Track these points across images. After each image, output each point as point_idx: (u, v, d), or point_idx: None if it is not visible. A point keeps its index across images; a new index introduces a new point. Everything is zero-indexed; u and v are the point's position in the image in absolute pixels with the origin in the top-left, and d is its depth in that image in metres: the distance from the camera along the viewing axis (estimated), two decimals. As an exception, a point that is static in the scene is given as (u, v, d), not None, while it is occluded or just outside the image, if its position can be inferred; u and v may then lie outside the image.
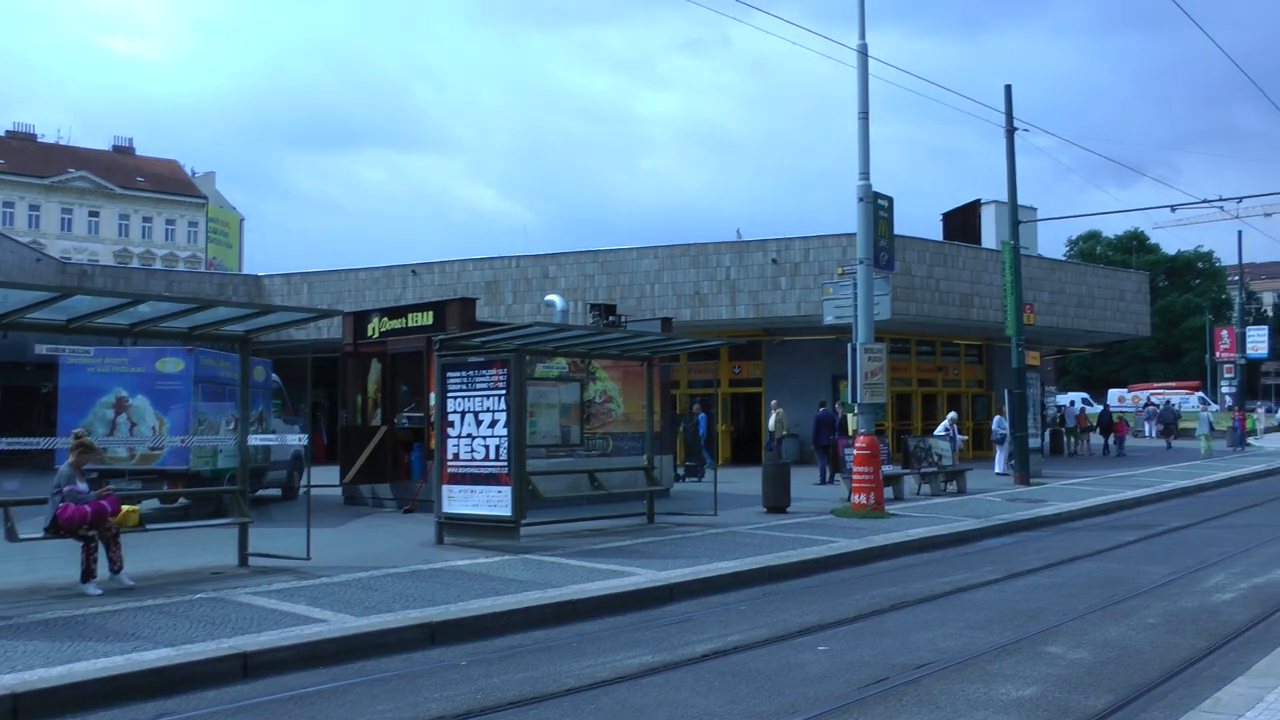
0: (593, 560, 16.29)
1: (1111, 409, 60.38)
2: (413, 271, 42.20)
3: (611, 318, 24.70)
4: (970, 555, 18.66)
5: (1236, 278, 70.57)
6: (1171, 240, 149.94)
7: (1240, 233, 56.19)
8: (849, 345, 22.84)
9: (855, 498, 22.49)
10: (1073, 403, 63.17)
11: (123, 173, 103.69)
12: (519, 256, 40.92)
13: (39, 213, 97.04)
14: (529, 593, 13.59)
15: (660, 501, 23.28)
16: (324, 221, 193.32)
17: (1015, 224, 31.78)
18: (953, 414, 31.86)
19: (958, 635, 11.81)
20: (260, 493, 24.05)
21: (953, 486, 28.46)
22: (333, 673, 10.39)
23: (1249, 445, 54.81)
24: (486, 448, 17.41)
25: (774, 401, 34.66)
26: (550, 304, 30.99)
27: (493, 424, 17.32)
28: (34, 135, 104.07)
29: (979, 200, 47.67)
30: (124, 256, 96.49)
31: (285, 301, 44.38)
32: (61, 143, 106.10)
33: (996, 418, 34.37)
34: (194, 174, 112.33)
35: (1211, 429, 51.30)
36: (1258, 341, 61.03)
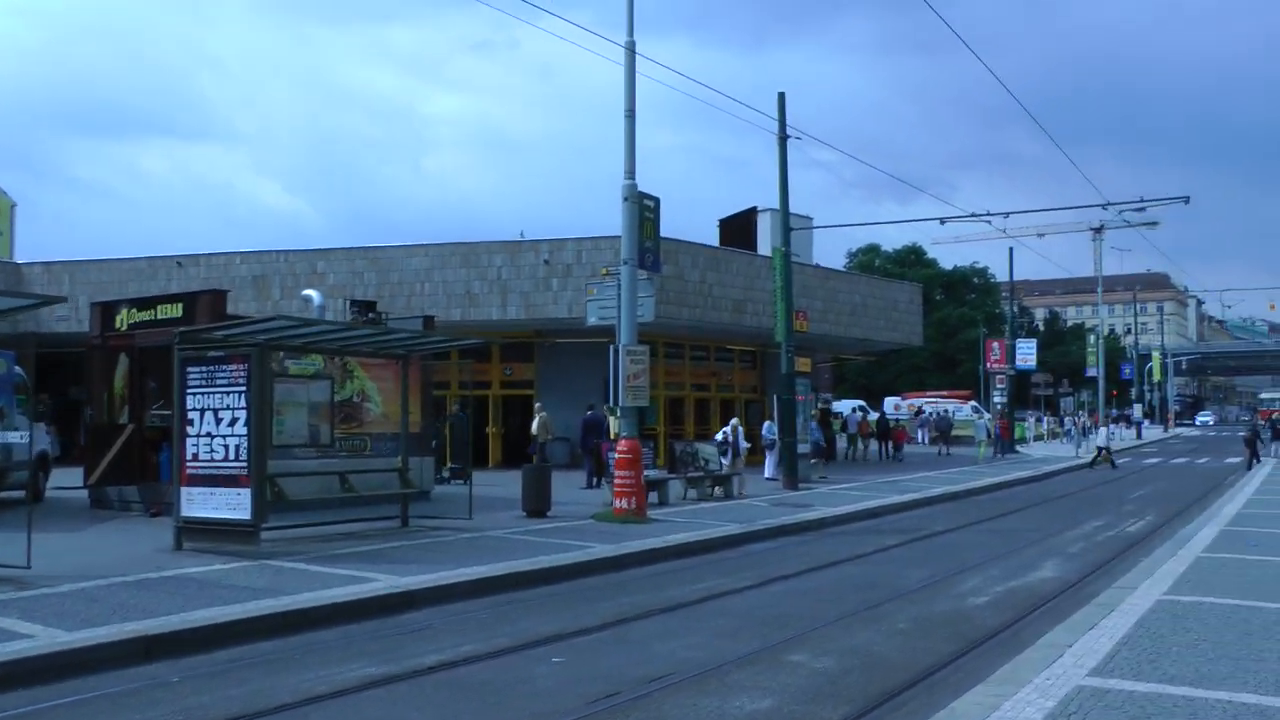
0: (336, 566, 15.52)
1: (888, 416, 61.49)
2: (178, 263, 40.56)
3: (370, 314, 23.85)
4: (730, 561, 18.41)
5: (1009, 293, 72.60)
6: (949, 256, 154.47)
7: (1011, 249, 58.09)
8: (610, 347, 22.44)
9: (617, 502, 22.10)
10: (854, 410, 64.17)
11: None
12: (287, 251, 39.69)
13: None
14: (261, 600, 12.81)
15: (420, 505, 22.55)
16: (105, 212, 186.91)
17: (787, 230, 31.88)
18: (734, 420, 31.70)
19: (703, 645, 11.43)
20: (1, 495, 22.57)
21: (720, 492, 28.33)
22: (31, 694, 9.50)
23: (1017, 452, 56.26)
24: (226, 447, 16.50)
25: (538, 405, 34.14)
26: (307, 299, 29.92)
27: (233, 422, 16.42)
28: None
29: (755, 208, 47.90)
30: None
31: (46, 291, 42.29)
32: None
33: (766, 423, 34.39)
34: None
35: (990, 435, 52.70)
36: (1026, 354, 62.70)
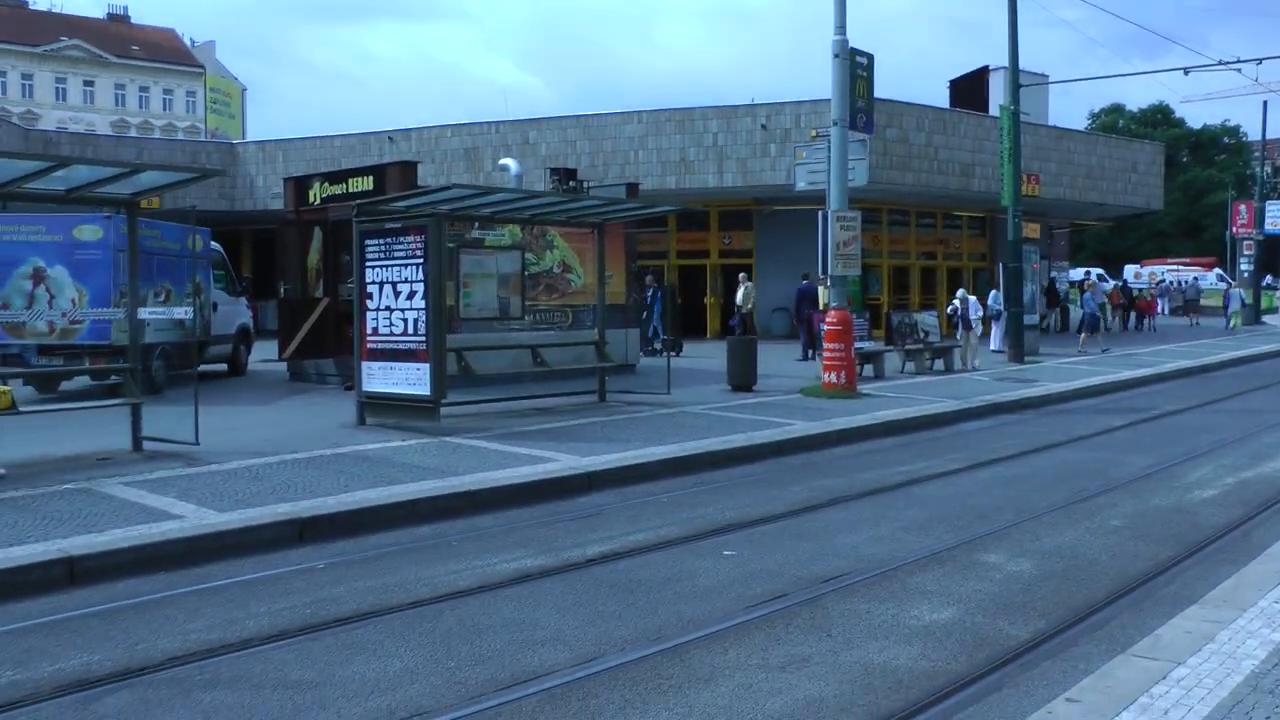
0: (518, 444, 14.87)
1: (1130, 285, 58.43)
2: (389, 138, 40.45)
3: (571, 183, 23.06)
4: (939, 440, 17.23)
5: (1260, 151, 68.10)
6: (1198, 115, 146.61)
7: (1266, 102, 53.39)
8: (820, 213, 21.20)
9: (825, 376, 21.02)
10: (1102, 278, 61.47)
11: (117, 41, 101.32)
12: (498, 122, 39.15)
13: (32, 82, 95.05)
14: (427, 481, 12.21)
15: (624, 379, 21.85)
16: (338, 94, 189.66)
17: (1016, 86, 29.91)
18: (961, 290, 30.08)
19: (889, 538, 10.38)
20: (203, 368, 22.62)
21: (940, 364, 26.96)
22: (170, 579, 9.06)
23: (1263, 323, 53.09)
24: (405, 321, 15.90)
25: (742, 274, 33.06)
26: (504, 168, 29.27)
27: (411, 295, 15.79)
28: (25, 2, 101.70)
29: (987, 67, 45.45)
30: (121, 126, 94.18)
31: (259, 169, 42.75)
32: (54, 10, 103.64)
33: (992, 293, 32.64)
34: (193, 44, 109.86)
35: (1243, 305, 49.92)
36: (1277, 216, 58.68)
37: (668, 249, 39.43)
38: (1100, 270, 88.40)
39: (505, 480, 12.43)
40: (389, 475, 12.48)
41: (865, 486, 13.06)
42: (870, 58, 21.72)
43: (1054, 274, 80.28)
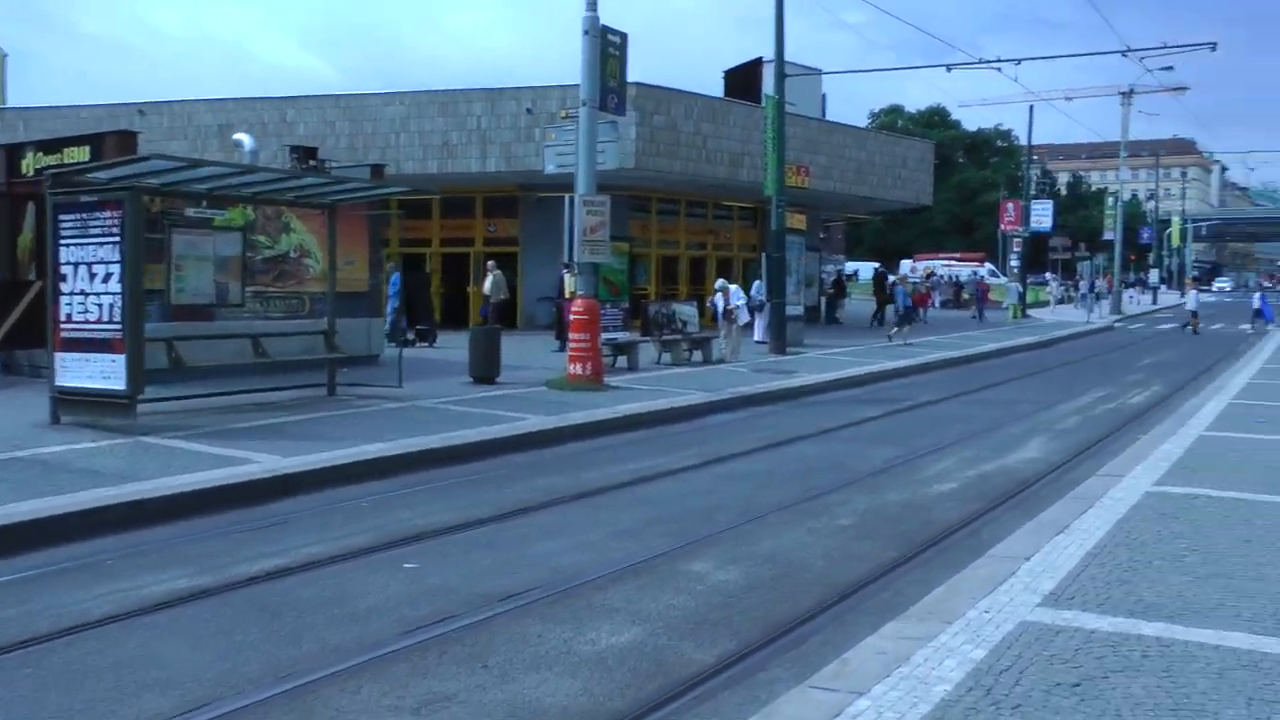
0: (221, 444, 13.61)
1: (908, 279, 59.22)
2: (139, 111, 38.23)
3: (312, 161, 21.80)
4: (681, 435, 16.56)
5: (1033, 156, 69.93)
6: (975, 119, 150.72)
7: (1031, 106, 54.56)
8: (566, 197, 20.35)
9: (571, 368, 20.19)
10: (879, 272, 62.56)
11: None
12: (255, 99, 37.37)
13: None
14: (97, 490, 10.90)
15: (365, 371, 20.61)
16: (118, 68, 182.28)
17: (781, 76, 29.56)
18: (721, 280, 29.56)
19: (593, 546, 9.56)
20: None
21: (699, 356, 26.38)
22: None
23: (1029, 317, 54.28)
24: (100, 306, 14.47)
25: (491, 262, 32.05)
26: (238, 143, 27.65)
27: (106, 278, 14.40)
28: None
29: (761, 59, 45.11)
30: None
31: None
32: None
33: (755, 283, 32.20)
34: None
35: (1021, 299, 50.95)
36: (1042, 215, 60.19)
37: (431, 236, 38.36)
38: (878, 264, 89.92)
39: (186, 487, 11.21)
40: (59, 483, 11.13)
41: (588, 486, 12.26)
42: (624, 36, 20.95)
43: (834, 267, 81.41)
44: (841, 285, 50.78)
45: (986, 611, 6.96)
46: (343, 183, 18.46)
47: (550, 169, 21.98)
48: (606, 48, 20.44)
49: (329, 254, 18.90)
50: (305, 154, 22.13)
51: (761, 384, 21.77)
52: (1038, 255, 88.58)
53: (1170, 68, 63.06)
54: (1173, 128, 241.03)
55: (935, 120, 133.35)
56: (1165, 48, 31.97)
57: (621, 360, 24.24)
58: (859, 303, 54.73)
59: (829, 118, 46.05)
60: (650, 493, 12.08)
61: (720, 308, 26.79)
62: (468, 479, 12.75)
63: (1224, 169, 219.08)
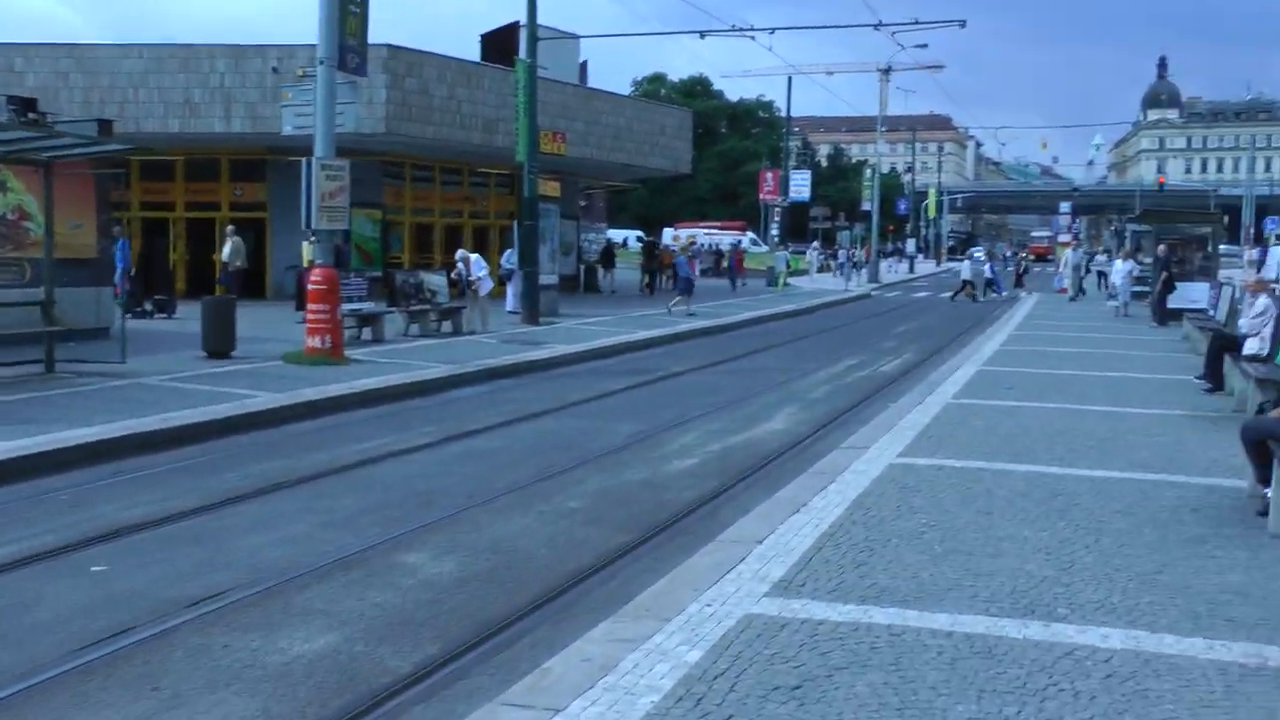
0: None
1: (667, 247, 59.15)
2: None
3: (31, 114, 20.29)
4: (419, 411, 15.82)
5: (796, 128, 70.82)
6: (737, 89, 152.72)
7: (790, 78, 54.98)
8: (304, 161, 19.34)
9: (309, 341, 19.21)
10: (641, 239, 62.80)
11: None
12: (-22, 47, 35.05)
13: None
14: None
15: (95, 345, 19.20)
16: None
17: (533, 40, 29.01)
18: (461, 250, 28.53)
19: (304, 538, 8.83)
20: None
21: (449, 327, 25.60)
22: None
23: (787, 285, 54.74)
24: None
25: (230, 227, 30.77)
26: (-61, 92, 25.70)
27: None
28: None
29: (518, 23, 44.23)
30: None
31: None
32: None
33: (506, 252, 31.41)
34: None
35: (788, 267, 51.46)
36: (801, 185, 60.86)
37: (174, 200, 36.63)
38: (639, 232, 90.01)
39: None
40: None
41: (311, 469, 11.45)
42: (364, -9, 20.04)
43: (600, 235, 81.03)
44: (610, 254, 50.31)
45: (709, 605, 6.46)
46: (59, 137, 17.13)
47: (288, 130, 20.89)
48: (347, 4, 19.50)
49: (46, 216, 17.56)
50: (24, 105, 20.55)
51: (509, 356, 21.15)
52: (799, 225, 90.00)
53: (925, 45, 64.62)
54: (930, 104, 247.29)
55: (698, 90, 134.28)
56: (917, 24, 32.32)
57: (367, 332, 23.33)
58: (626, 271, 54.49)
59: (592, 85, 45.57)
60: (376, 475, 11.36)
61: (465, 278, 25.89)
62: (182, 465, 11.80)
63: (979, 144, 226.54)
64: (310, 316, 19.30)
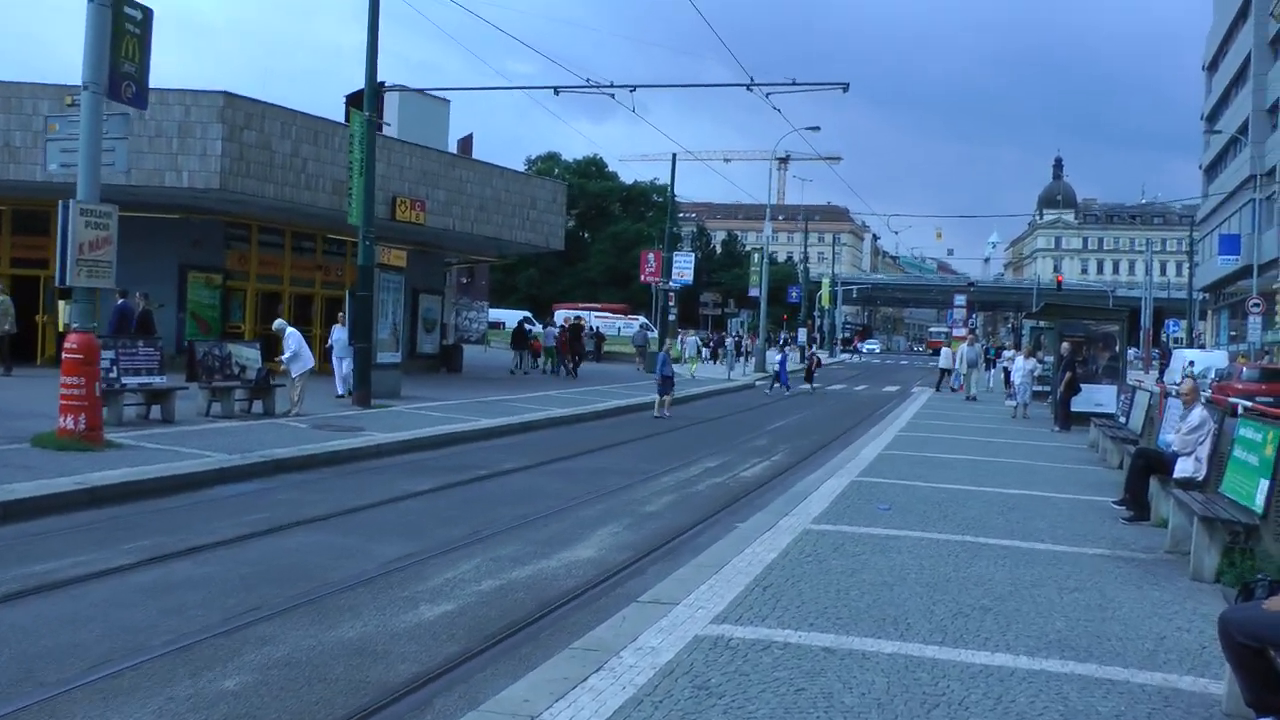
0: None
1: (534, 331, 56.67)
2: None
3: None
4: (157, 515, 12.67)
5: (683, 207, 68.86)
6: (633, 173, 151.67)
7: (675, 156, 52.49)
8: (60, 203, 16.19)
9: (61, 421, 16.02)
10: (529, 321, 60.31)
11: None
12: None
13: None
14: None
15: None
16: None
17: (373, 92, 26.15)
18: (279, 320, 25.03)
19: None
20: None
21: (261, 407, 22.42)
22: None
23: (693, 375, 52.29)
24: None
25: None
26: None
27: None
28: None
29: (384, 84, 41.50)
30: None
31: None
32: None
33: (335, 328, 27.96)
34: None
35: (699, 353, 49.82)
36: (684, 268, 57.91)
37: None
38: (527, 313, 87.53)
39: None
40: None
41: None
42: (147, 12, 16.99)
43: (478, 313, 78.18)
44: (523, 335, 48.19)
45: None
46: None
47: (53, 167, 17.60)
48: (121, 20, 16.47)
49: None
50: None
51: (311, 445, 18.06)
52: (690, 311, 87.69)
53: (817, 128, 62.90)
54: (828, 195, 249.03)
55: (592, 171, 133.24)
56: (795, 84, 29.77)
57: (157, 410, 20.15)
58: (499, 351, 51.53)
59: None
60: (13, 622, 8.23)
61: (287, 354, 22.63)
62: None
63: (875, 237, 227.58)
64: (63, 392, 16.10)
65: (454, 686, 7.09)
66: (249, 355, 22.54)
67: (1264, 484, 10.12)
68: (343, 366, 26.72)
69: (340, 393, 26.25)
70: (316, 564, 10.34)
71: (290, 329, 23.00)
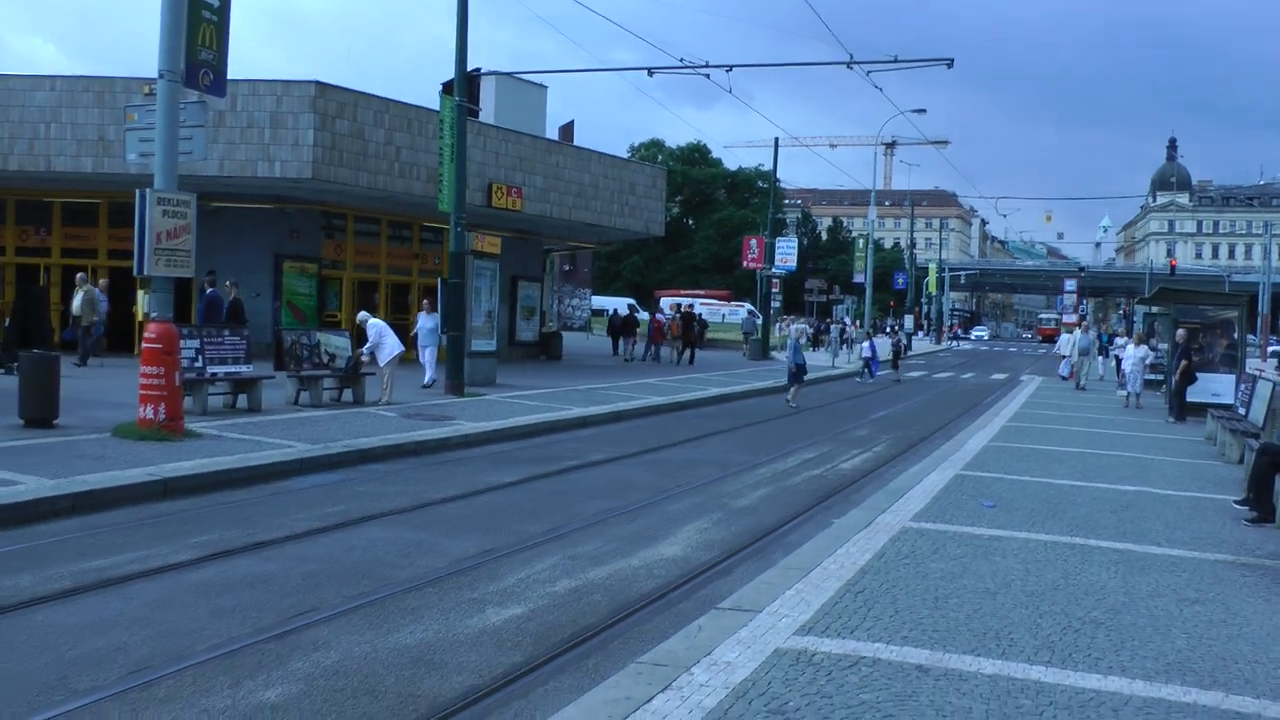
0: None
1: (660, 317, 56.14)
2: None
3: None
4: (230, 508, 12.27)
5: (787, 192, 68.05)
6: (737, 159, 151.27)
7: (777, 140, 51.52)
8: (138, 192, 15.88)
9: (141, 410, 15.74)
10: (632, 308, 60.15)
11: None
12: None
13: None
14: None
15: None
16: None
17: (462, 76, 25.46)
18: (363, 314, 24.31)
19: None
20: None
21: (349, 395, 22.11)
22: None
23: (771, 358, 51.50)
24: None
25: (80, 275, 27.47)
26: None
27: None
28: None
29: (479, 70, 41.15)
30: None
31: None
32: None
33: (420, 315, 27.28)
34: None
35: (807, 340, 48.95)
36: (786, 253, 57.00)
37: (97, 246, 33.36)
38: (632, 300, 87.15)
39: None
40: None
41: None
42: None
43: (581, 299, 77.90)
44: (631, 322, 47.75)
45: None
46: None
47: (131, 157, 17.37)
48: (199, 9, 16.13)
49: None
50: None
51: (396, 435, 17.66)
52: (794, 297, 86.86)
53: (923, 110, 61.74)
54: (935, 180, 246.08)
55: (695, 158, 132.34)
56: (896, 61, 28.88)
57: (244, 399, 19.88)
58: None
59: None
60: (42, 621, 7.82)
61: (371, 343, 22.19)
62: None
63: (984, 222, 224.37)
64: (143, 382, 15.83)
65: (510, 703, 6.51)
66: (338, 343, 22.23)
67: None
68: (425, 354, 26.30)
69: (425, 381, 25.76)
70: (385, 561, 9.85)
71: (372, 320, 22.59)
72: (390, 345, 22.13)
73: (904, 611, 7.94)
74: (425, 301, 27.63)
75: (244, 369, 19.94)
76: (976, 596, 8.51)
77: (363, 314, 23.22)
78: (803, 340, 31.41)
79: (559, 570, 9.81)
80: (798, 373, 29.19)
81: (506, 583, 9.28)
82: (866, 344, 43.88)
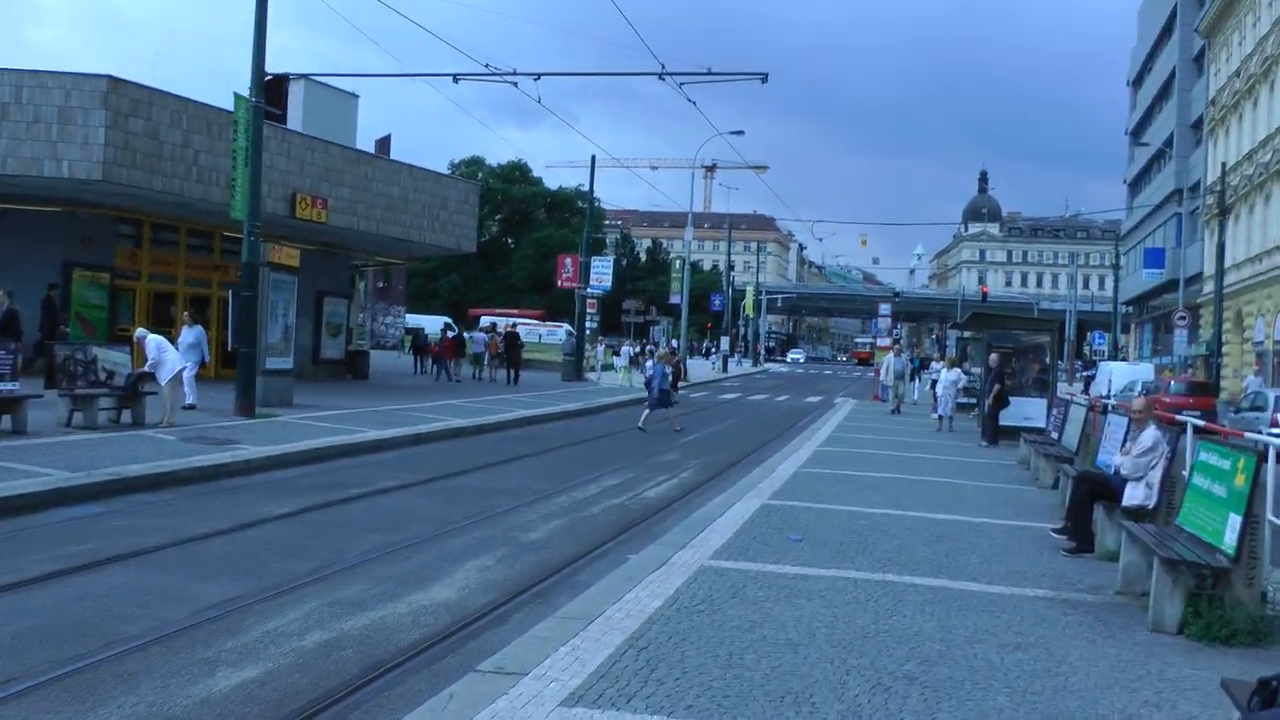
0: None
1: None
2: None
3: None
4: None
5: (616, 221, 67.69)
6: (558, 178, 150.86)
7: (594, 157, 50.77)
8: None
9: (-123, 432, 14.27)
10: (449, 327, 58.85)
11: None
12: None
13: None
14: None
15: None
16: None
17: (259, 76, 24.20)
18: (140, 330, 22.71)
19: None
20: None
21: (130, 416, 20.65)
22: None
23: (586, 380, 50.83)
24: None
25: None
26: None
27: None
28: None
29: (288, 75, 39.61)
30: None
31: None
32: None
33: (196, 328, 25.15)
34: None
35: (632, 361, 50.60)
36: (602, 273, 56.24)
37: None
38: (448, 319, 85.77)
39: None
40: None
41: None
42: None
43: (395, 318, 76.25)
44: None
45: None
46: None
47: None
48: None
49: None
50: None
51: (173, 460, 16.38)
52: (613, 318, 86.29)
53: (741, 132, 61.54)
54: (753, 204, 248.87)
55: (516, 176, 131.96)
56: (710, 73, 28.34)
57: (7, 420, 18.34)
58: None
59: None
60: None
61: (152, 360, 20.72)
62: None
63: (802, 247, 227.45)
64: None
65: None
66: (117, 359, 20.72)
67: (1235, 519, 8.76)
68: (185, 373, 23.85)
69: (185, 403, 23.11)
70: (117, 613, 8.67)
71: (151, 336, 21.13)
72: (171, 363, 20.73)
73: (692, 672, 7.07)
74: (186, 314, 26.03)
75: (9, 386, 18.38)
76: (777, 650, 7.70)
77: (140, 330, 21.74)
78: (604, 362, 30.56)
79: (312, 620, 8.76)
80: (663, 398, 28.59)
81: (249, 637, 8.20)
82: (649, 364, 35.31)
